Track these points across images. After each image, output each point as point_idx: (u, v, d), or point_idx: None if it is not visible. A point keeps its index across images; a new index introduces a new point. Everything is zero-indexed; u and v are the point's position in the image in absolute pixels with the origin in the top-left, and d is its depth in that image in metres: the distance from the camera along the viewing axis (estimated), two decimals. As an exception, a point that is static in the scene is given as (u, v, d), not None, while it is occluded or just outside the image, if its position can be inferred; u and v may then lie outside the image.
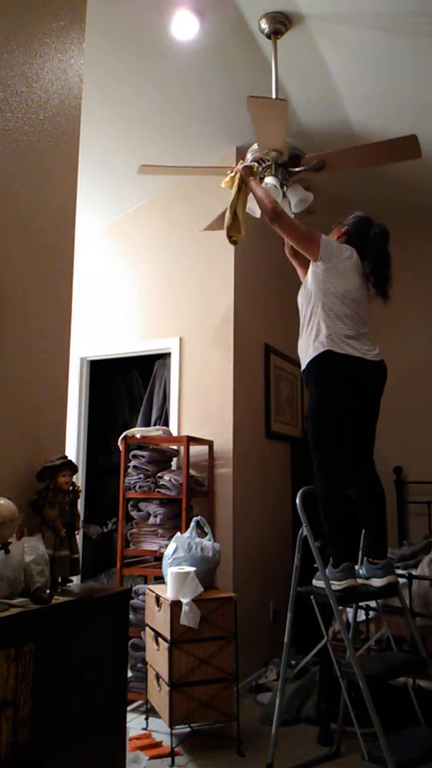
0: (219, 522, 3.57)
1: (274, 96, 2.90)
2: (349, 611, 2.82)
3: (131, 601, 3.34)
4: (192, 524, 3.09)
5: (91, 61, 2.80)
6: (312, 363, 2.51)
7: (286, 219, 2.58)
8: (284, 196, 2.76)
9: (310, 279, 2.59)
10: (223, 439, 3.65)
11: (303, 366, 2.60)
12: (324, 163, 2.71)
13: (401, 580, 2.64)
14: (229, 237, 2.72)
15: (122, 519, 3.48)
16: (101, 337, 4.25)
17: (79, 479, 4.08)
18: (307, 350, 2.55)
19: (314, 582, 2.50)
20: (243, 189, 2.72)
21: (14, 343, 1.87)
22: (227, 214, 2.71)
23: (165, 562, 2.99)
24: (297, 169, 2.74)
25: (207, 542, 3.02)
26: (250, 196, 2.73)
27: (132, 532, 3.53)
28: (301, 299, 2.66)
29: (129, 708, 3.13)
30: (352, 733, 2.70)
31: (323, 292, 2.53)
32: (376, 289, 2.59)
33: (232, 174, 2.75)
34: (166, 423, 4.08)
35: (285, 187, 2.75)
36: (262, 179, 2.74)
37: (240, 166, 2.74)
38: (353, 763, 2.64)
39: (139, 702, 3.21)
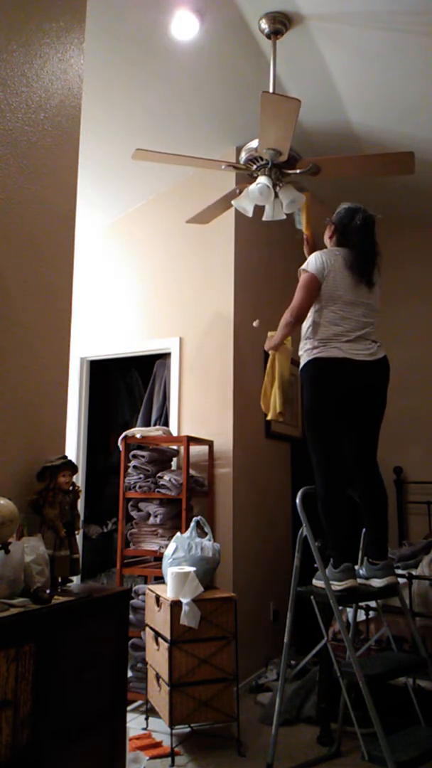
0: (219, 522, 3.57)
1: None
2: (349, 611, 2.82)
3: (131, 601, 3.34)
4: (192, 524, 3.09)
5: (91, 60, 2.80)
6: (304, 368, 2.61)
7: (294, 314, 2.62)
8: (276, 196, 2.75)
9: None
10: (223, 439, 3.65)
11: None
12: (319, 168, 2.72)
13: (401, 580, 2.64)
14: (278, 414, 2.82)
15: (122, 519, 3.47)
16: (101, 337, 4.24)
17: (79, 479, 4.08)
18: (303, 356, 2.64)
19: (314, 582, 2.51)
20: (274, 363, 2.88)
21: (14, 343, 1.87)
22: (273, 394, 2.85)
23: (165, 562, 2.99)
24: (292, 172, 2.74)
25: (207, 542, 3.02)
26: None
27: (132, 532, 3.52)
28: None
29: (129, 708, 3.13)
30: (352, 733, 2.70)
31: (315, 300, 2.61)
32: (360, 277, 2.57)
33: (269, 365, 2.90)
34: (166, 423, 4.08)
35: (277, 188, 2.75)
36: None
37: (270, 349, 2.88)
38: (353, 763, 2.64)
39: (139, 702, 3.21)
